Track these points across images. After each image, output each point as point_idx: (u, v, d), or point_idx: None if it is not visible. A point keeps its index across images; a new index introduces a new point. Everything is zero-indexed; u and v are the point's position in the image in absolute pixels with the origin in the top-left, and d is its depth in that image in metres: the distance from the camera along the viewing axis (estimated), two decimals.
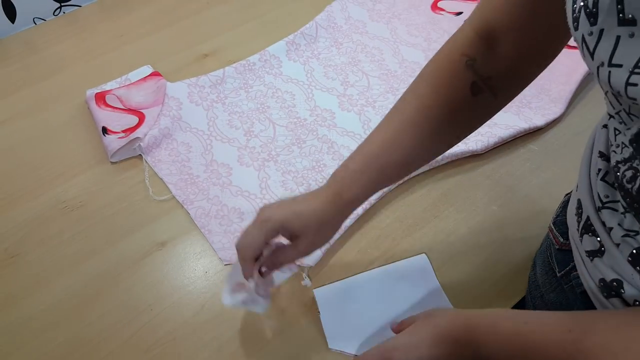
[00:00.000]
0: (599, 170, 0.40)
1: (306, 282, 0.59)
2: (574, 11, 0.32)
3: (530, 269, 0.58)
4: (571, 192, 0.52)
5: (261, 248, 0.48)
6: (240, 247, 0.48)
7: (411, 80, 0.81)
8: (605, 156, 0.40)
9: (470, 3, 0.98)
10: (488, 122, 0.75)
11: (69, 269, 0.61)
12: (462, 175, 0.71)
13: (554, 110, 0.77)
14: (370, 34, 0.91)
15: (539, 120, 0.75)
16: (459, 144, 0.71)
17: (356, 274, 0.60)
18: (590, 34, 0.30)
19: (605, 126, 0.41)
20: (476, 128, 0.50)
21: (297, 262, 0.60)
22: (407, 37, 0.91)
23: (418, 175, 0.70)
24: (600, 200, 0.39)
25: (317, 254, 0.61)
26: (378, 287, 0.58)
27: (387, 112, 0.76)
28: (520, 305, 0.58)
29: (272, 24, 0.94)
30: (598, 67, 0.30)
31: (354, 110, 0.78)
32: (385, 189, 0.67)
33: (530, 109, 0.78)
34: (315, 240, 0.50)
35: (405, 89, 0.80)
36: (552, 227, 0.52)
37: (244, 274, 0.50)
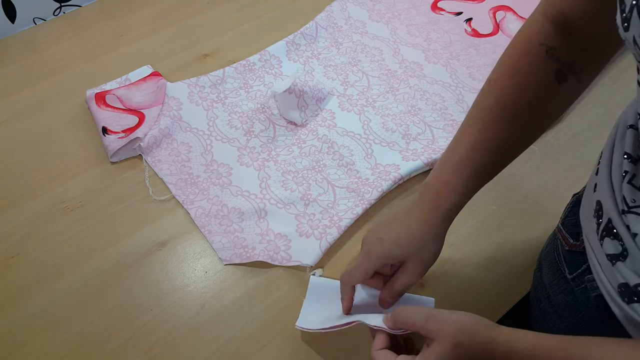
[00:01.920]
0: (626, 172, 0.39)
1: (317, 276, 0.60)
2: (623, 11, 0.31)
3: (535, 269, 0.58)
4: (579, 192, 0.52)
5: (364, 276, 0.50)
6: (345, 273, 0.51)
7: (411, 80, 0.82)
8: (632, 158, 0.39)
9: (471, 3, 0.98)
10: None
11: (69, 269, 0.61)
12: None
13: None
14: (370, 34, 0.91)
15: None
16: None
17: None
18: None
19: (632, 126, 0.40)
20: (562, 113, 0.50)
21: (296, 262, 0.60)
22: (407, 37, 0.91)
23: (418, 175, 0.70)
24: (626, 204, 0.38)
25: (317, 253, 0.61)
26: (369, 300, 0.56)
27: (387, 112, 0.78)
28: (521, 305, 0.58)
29: (272, 24, 0.94)
30: None
31: (354, 110, 0.78)
32: (385, 188, 0.67)
33: None
34: (423, 259, 0.49)
35: (405, 89, 0.81)
36: (561, 227, 0.52)
37: (342, 295, 0.52)
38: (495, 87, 0.47)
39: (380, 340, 0.47)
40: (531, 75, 0.45)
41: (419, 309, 0.45)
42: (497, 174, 0.50)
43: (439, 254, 0.50)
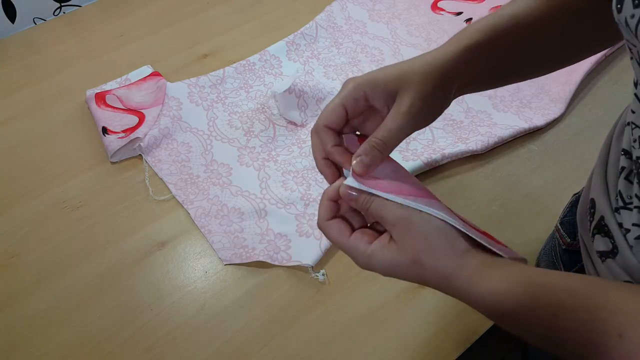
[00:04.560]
0: (622, 168, 0.39)
1: (320, 277, 0.59)
2: None
3: None
4: (579, 192, 0.52)
5: (338, 112, 0.39)
6: (317, 122, 0.40)
7: None
8: (629, 154, 0.39)
9: (471, 3, 0.98)
10: (488, 122, 0.76)
11: (69, 269, 0.61)
12: (462, 175, 0.71)
13: (554, 110, 0.77)
14: (370, 34, 0.91)
15: (539, 120, 0.75)
16: (459, 143, 0.72)
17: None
18: (632, 16, 0.29)
19: (629, 123, 0.40)
20: (586, 53, 0.44)
21: (296, 262, 0.60)
22: (407, 37, 0.91)
23: (418, 175, 0.70)
24: (623, 200, 0.38)
25: (317, 253, 0.61)
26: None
27: None
28: None
29: (272, 24, 0.94)
30: None
31: None
32: None
33: (530, 109, 0.78)
34: (427, 90, 0.38)
35: None
36: (559, 227, 0.52)
37: (324, 147, 0.40)
38: None
39: (328, 208, 0.38)
40: None
41: (396, 210, 0.36)
42: (523, 75, 0.43)
43: (438, 113, 0.41)
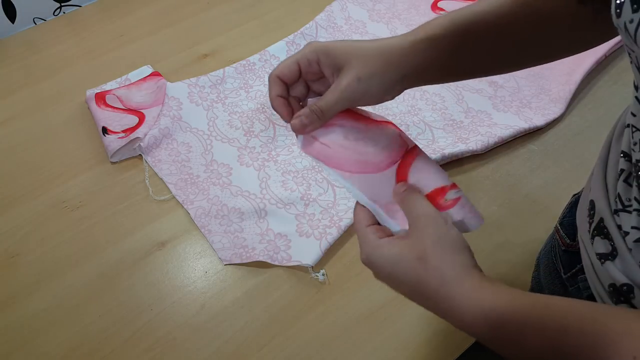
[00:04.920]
0: (622, 171, 0.39)
1: (320, 277, 0.59)
2: None
3: (534, 269, 0.58)
4: (578, 192, 0.52)
5: (290, 67, 0.42)
6: (272, 72, 0.42)
7: None
8: (629, 156, 0.39)
9: (470, 3, 0.98)
10: (488, 122, 0.76)
11: (69, 269, 0.61)
12: (462, 175, 0.71)
13: (554, 110, 0.77)
14: (370, 34, 0.91)
15: (539, 120, 0.75)
16: (459, 143, 0.72)
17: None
18: (631, 21, 0.29)
19: (629, 126, 0.40)
20: (560, 54, 0.44)
21: (296, 262, 0.60)
22: None
23: None
24: (622, 203, 0.38)
25: (317, 253, 0.61)
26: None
27: (387, 112, 0.77)
28: None
29: (272, 24, 0.94)
30: None
31: None
32: None
33: (530, 109, 0.78)
34: (362, 76, 0.40)
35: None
36: (559, 227, 0.52)
37: (270, 94, 0.42)
38: None
39: (366, 214, 0.40)
40: None
41: (425, 208, 0.38)
42: (484, 61, 0.44)
43: (380, 98, 0.43)
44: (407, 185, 0.41)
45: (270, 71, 0.44)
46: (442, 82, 0.46)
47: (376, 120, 0.45)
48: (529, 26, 0.42)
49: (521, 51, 0.45)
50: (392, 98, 0.45)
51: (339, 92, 0.40)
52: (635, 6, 0.29)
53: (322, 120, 0.42)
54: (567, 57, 0.46)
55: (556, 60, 0.46)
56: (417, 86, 0.45)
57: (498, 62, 0.45)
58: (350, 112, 0.44)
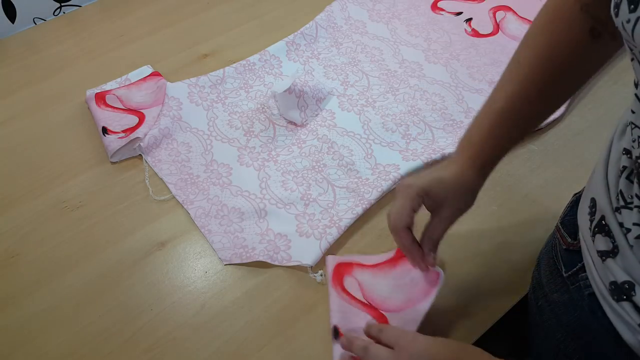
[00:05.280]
0: (624, 168, 0.39)
1: (318, 278, 0.59)
2: None
3: (534, 268, 0.58)
4: (580, 192, 0.52)
5: (411, 215, 0.49)
6: (392, 218, 0.49)
7: (411, 80, 0.82)
8: (630, 153, 0.39)
9: (471, 3, 0.98)
10: None
11: (69, 269, 0.61)
12: None
13: None
14: (370, 34, 0.91)
15: None
16: None
17: None
18: (628, 21, 0.30)
19: (630, 123, 0.40)
20: (598, 70, 0.50)
21: (296, 262, 0.60)
22: (407, 37, 0.91)
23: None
24: (623, 199, 0.38)
25: (317, 253, 0.61)
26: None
27: (387, 112, 0.78)
28: (522, 304, 0.58)
29: (272, 24, 0.94)
30: None
31: (354, 110, 0.78)
32: (385, 188, 0.67)
33: None
34: (460, 206, 0.50)
35: (405, 89, 0.81)
36: (560, 226, 0.52)
37: (406, 251, 0.51)
38: (532, 43, 0.48)
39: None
40: (566, 31, 0.45)
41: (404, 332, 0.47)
42: (529, 130, 0.51)
43: (472, 205, 0.52)
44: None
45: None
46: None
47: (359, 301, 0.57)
48: (555, 86, 0.48)
49: (554, 102, 0.51)
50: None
51: (445, 220, 0.51)
52: (632, 6, 0.29)
53: (437, 245, 0.52)
54: (597, 72, 0.50)
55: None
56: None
57: (534, 126, 0.53)
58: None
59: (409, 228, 0.50)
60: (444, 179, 0.49)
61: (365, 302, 0.56)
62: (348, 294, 0.57)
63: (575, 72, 0.48)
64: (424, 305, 0.52)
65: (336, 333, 0.53)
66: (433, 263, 0.52)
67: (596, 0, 0.43)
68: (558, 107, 0.52)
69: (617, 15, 0.31)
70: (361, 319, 0.54)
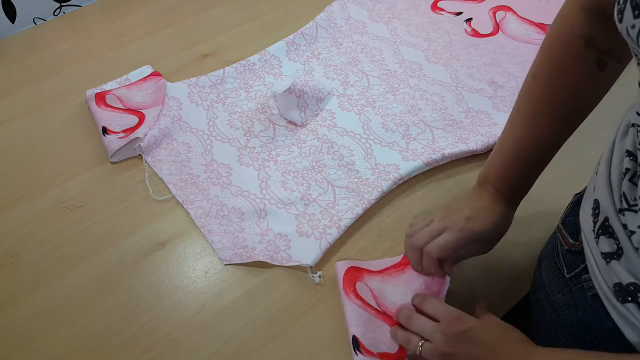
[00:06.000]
0: (627, 170, 0.39)
1: (316, 279, 0.59)
2: (618, 3, 0.32)
3: (535, 269, 0.58)
4: (580, 192, 0.52)
5: (449, 254, 0.51)
6: (434, 247, 0.51)
7: (411, 80, 0.82)
8: (634, 155, 0.39)
9: (471, 3, 0.98)
10: (488, 122, 0.76)
11: (69, 269, 0.61)
12: (462, 175, 0.71)
13: None
14: (370, 34, 0.91)
15: None
16: (459, 143, 0.72)
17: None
18: (633, 27, 0.30)
19: (634, 125, 0.41)
20: (606, 92, 0.51)
21: (296, 262, 0.60)
22: (407, 37, 0.91)
23: (418, 175, 0.70)
24: (627, 202, 0.38)
25: (317, 253, 0.61)
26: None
27: (387, 112, 0.78)
28: (522, 304, 0.58)
29: (272, 24, 0.94)
30: None
31: (354, 110, 0.78)
32: (385, 188, 0.67)
33: None
34: (498, 237, 0.53)
35: (405, 89, 0.81)
36: (561, 227, 0.52)
37: (425, 267, 0.53)
38: (539, 81, 0.49)
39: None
40: (573, 68, 0.47)
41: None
42: (550, 159, 0.53)
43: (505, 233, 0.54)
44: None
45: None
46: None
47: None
48: (564, 119, 0.50)
49: (573, 128, 0.52)
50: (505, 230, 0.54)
51: (485, 249, 0.53)
52: (636, 12, 0.29)
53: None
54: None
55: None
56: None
57: (558, 147, 0.53)
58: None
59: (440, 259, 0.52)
60: (489, 220, 0.51)
61: (379, 309, 0.56)
62: (362, 300, 0.56)
63: (584, 103, 0.49)
64: None
65: (356, 343, 0.53)
66: (444, 275, 0.54)
67: (600, 33, 0.44)
68: (566, 138, 0.53)
69: (620, 20, 0.31)
70: (378, 327, 0.54)
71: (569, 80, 0.47)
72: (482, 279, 0.60)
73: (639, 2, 0.29)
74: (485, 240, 0.52)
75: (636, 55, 0.33)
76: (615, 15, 0.32)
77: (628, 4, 0.30)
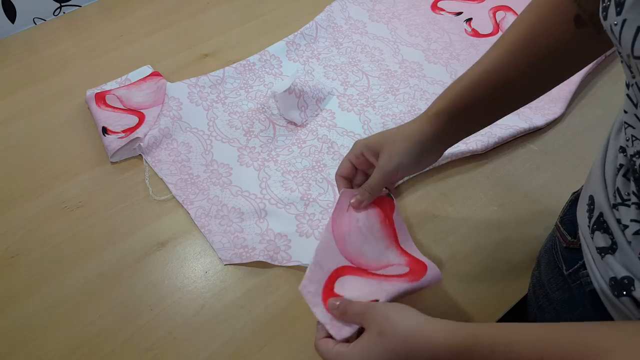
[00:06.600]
0: (621, 166, 0.40)
1: None
2: (603, 1, 0.32)
3: (534, 267, 0.58)
4: (578, 190, 0.52)
5: (347, 166, 0.55)
6: (336, 177, 0.56)
7: (411, 80, 0.83)
8: (626, 152, 0.39)
9: (470, 3, 0.98)
10: None
11: (69, 269, 0.61)
12: (462, 175, 0.71)
13: (554, 110, 0.77)
14: (370, 34, 0.91)
15: (539, 120, 0.75)
16: (459, 143, 0.72)
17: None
18: (615, 24, 0.30)
19: (625, 122, 0.41)
20: (577, 68, 0.50)
21: (296, 262, 0.60)
22: (407, 37, 0.91)
23: (418, 175, 0.70)
24: (620, 197, 0.39)
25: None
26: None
27: (387, 112, 0.78)
28: (522, 304, 0.58)
29: (272, 24, 0.94)
30: (628, 56, 0.31)
31: (354, 111, 0.78)
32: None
33: (530, 109, 0.78)
34: (392, 152, 0.51)
35: (405, 89, 0.81)
36: (559, 225, 0.52)
37: (338, 189, 0.56)
38: (517, 25, 0.48)
39: (323, 329, 0.48)
40: (550, 15, 0.46)
41: (363, 303, 0.47)
42: (498, 112, 0.52)
43: (424, 163, 0.54)
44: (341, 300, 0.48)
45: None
46: (483, 127, 0.55)
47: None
48: (534, 68, 0.48)
49: (533, 88, 0.50)
50: (430, 165, 0.57)
51: (379, 169, 0.52)
52: (618, 9, 0.30)
53: (373, 195, 0.55)
54: (580, 70, 0.50)
55: (570, 76, 0.51)
56: (445, 149, 0.55)
57: (508, 107, 0.52)
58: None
59: (345, 177, 0.56)
60: (385, 132, 0.53)
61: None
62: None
63: (556, 61, 0.47)
64: (403, 286, 0.50)
65: None
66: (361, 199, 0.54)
67: None
68: (533, 97, 0.51)
69: (605, 18, 0.32)
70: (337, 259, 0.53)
71: (545, 28, 0.46)
72: (481, 279, 0.60)
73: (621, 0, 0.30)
74: (381, 144, 0.52)
75: (619, 53, 0.34)
76: (600, 13, 0.33)
77: (612, 1, 0.31)
